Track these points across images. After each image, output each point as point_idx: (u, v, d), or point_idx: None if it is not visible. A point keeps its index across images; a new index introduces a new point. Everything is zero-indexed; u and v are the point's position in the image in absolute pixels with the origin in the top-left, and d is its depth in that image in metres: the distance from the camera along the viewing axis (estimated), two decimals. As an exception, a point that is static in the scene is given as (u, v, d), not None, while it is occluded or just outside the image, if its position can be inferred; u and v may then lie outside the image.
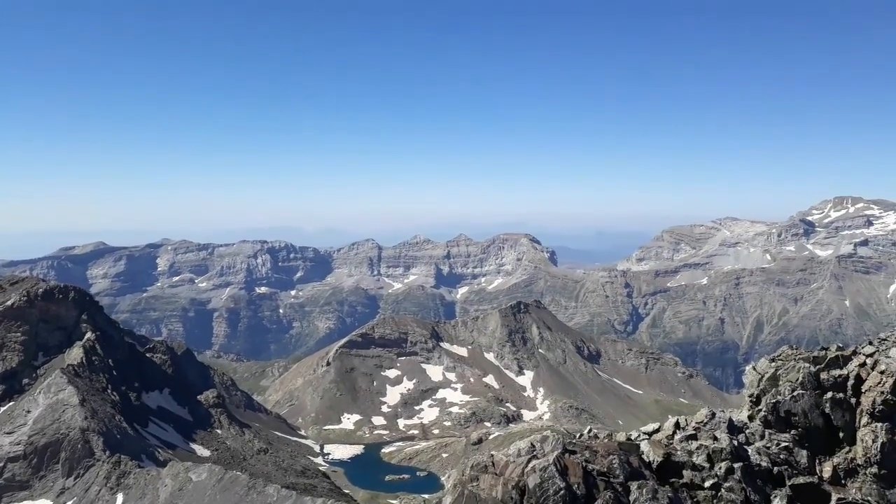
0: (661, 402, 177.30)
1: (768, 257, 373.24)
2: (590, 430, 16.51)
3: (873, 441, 17.33)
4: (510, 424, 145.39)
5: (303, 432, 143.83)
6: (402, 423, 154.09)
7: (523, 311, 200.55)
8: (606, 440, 14.58)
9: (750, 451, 15.24)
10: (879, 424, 17.48)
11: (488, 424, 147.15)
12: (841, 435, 17.99)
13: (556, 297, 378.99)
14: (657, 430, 15.97)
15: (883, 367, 18.20)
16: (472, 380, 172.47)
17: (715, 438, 14.56)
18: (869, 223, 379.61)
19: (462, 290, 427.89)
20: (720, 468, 14.09)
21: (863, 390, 18.34)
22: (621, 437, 15.09)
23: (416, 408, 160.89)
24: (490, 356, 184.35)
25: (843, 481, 17.09)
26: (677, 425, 17.06)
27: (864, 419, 17.81)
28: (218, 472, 68.35)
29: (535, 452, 12.94)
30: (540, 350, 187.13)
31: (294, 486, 74.17)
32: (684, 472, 13.76)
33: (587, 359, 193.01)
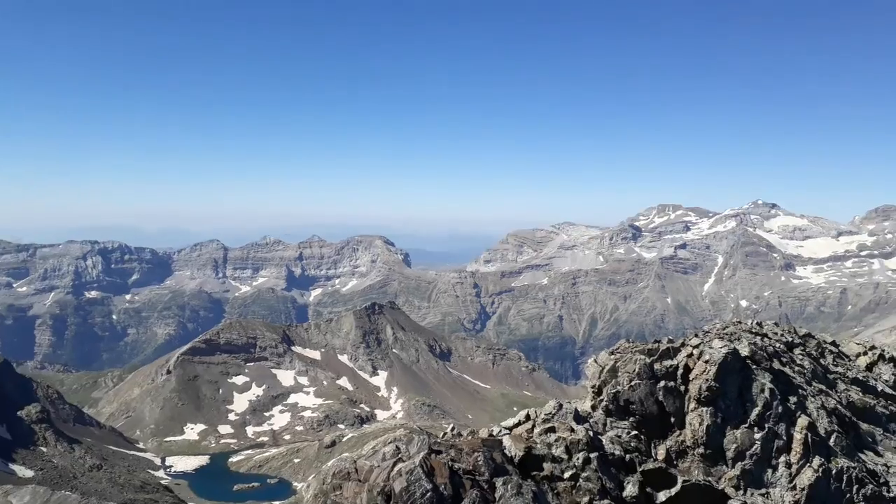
0: (507, 395, 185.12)
1: (601, 259, 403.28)
2: (453, 428, 16.64)
3: (700, 424, 19.03)
4: (364, 425, 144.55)
5: (142, 445, 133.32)
6: (251, 430, 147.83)
7: (377, 312, 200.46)
8: (470, 437, 14.73)
9: (604, 440, 16.15)
10: (705, 409, 19.23)
11: (342, 426, 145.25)
12: (672, 420, 19.52)
13: (409, 298, 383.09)
14: (518, 424, 16.47)
15: (707, 357, 20.05)
16: (325, 383, 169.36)
17: (572, 430, 15.23)
18: (687, 228, 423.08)
19: (315, 293, 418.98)
20: (578, 459, 14.71)
21: (690, 378, 20.05)
22: (484, 433, 15.30)
23: (267, 414, 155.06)
24: (344, 358, 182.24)
25: (675, 462, 18.64)
26: (528, 416, 17.71)
27: (692, 404, 19.50)
28: (43, 494, 61.46)
29: (400, 455, 12.73)
30: (394, 350, 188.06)
31: (133, 503, 68.58)
32: (545, 465, 14.19)
33: (439, 357, 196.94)
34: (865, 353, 29.65)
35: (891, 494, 19.30)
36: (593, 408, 19.74)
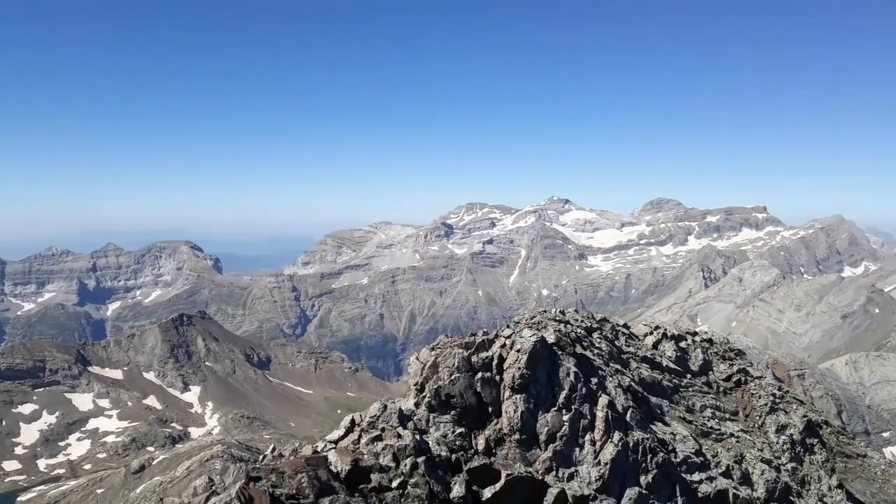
0: (331, 398, 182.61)
1: (418, 256, 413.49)
2: (273, 449, 15.76)
3: (515, 411, 20.00)
4: (176, 445, 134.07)
5: None
6: (43, 463, 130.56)
7: (186, 323, 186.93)
8: (292, 457, 13.96)
9: (430, 442, 16.27)
10: (518, 396, 20.24)
11: (151, 449, 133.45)
12: (490, 409, 20.35)
13: (222, 306, 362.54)
14: (344, 435, 16.03)
15: (519, 346, 21.14)
16: (129, 404, 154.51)
17: (399, 436, 15.12)
18: (493, 225, 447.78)
19: (114, 306, 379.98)
20: (405, 465, 14.63)
21: (505, 368, 21.04)
22: (307, 450, 14.62)
23: (62, 444, 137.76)
24: (150, 375, 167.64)
25: (493, 451, 19.41)
26: (353, 422, 17.40)
27: (507, 393, 20.44)
28: None
29: (213, 487, 11.72)
30: (207, 363, 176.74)
31: None
32: (372, 476, 13.89)
33: (257, 366, 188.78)
34: (651, 333, 33.24)
35: (677, 459, 21.76)
36: (416, 405, 19.92)
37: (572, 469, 19.70)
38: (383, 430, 15.47)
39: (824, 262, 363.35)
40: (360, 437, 15.51)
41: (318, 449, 14.80)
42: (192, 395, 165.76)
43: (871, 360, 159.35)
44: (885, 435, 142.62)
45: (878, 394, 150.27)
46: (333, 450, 14.45)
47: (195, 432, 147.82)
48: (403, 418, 17.89)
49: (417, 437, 15.62)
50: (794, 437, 28.42)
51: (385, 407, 18.00)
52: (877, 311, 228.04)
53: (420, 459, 14.82)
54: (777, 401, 30.44)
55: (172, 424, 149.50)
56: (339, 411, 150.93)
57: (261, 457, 15.72)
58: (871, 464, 32.02)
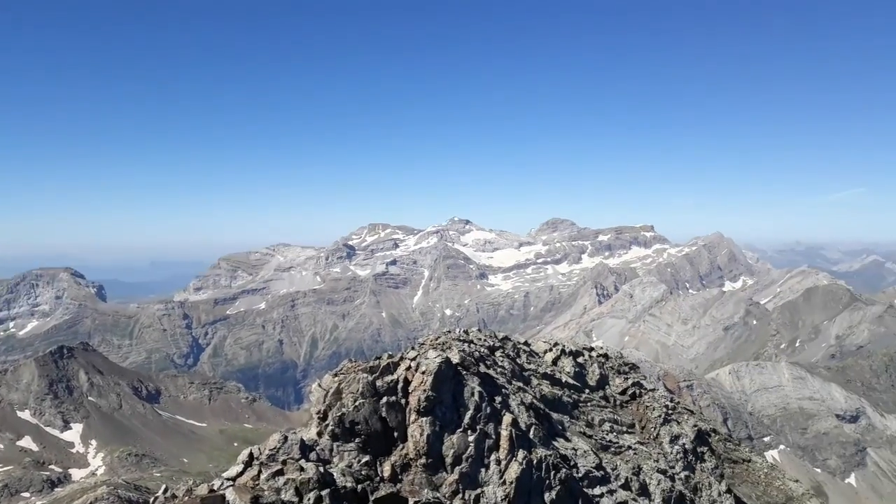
0: (227, 431, 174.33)
1: (318, 279, 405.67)
2: (165, 490, 14.60)
3: (421, 434, 19.74)
4: (55, 489, 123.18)
5: None
6: None
7: (67, 356, 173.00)
8: (186, 498, 12.98)
9: (335, 473, 15.65)
10: (424, 419, 20.01)
11: (27, 495, 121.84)
12: (396, 434, 20.01)
13: (107, 337, 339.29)
14: (243, 471, 15.11)
15: (424, 368, 20.97)
16: (1, 447, 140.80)
17: (301, 469, 14.45)
18: (396, 245, 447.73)
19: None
20: (309, 499, 13.98)
21: (410, 391, 20.79)
22: (203, 489, 13.64)
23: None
24: (26, 414, 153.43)
25: (399, 476, 19.02)
26: (252, 456, 16.53)
27: (413, 416, 20.18)
28: None
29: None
30: (90, 398, 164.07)
31: None
32: (274, 513, 13.25)
33: (146, 399, 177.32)
34: (550, 350, 34.01)
35: (579, 474, 22.21)
36: (319, 434, 19.28)
37: (479, 490, 19.64)
38: (284, 462, 14.74)
39: (707, 277, 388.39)
40: (259, 471, 14.69)
41: (215, 487, 13.84)
42: (74, 434, 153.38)
43: (752, 369, 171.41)
44: (766, 439, 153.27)
45: (759, 401, 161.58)
46: (231, 487, 13.58)
47: (77, 474, 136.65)
48: (306, 449, 17.22)
49: (321, 468, 15.01)
50: (686, 446, 29.82)
51: (286, 438, 17.25)
52: (754, 322, 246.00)
53: (325, 492, 14.23)
54: (670, 412, 31.88)
55: (51, 466, 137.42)
56: (236, 444, 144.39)
57: (151, 499, 14.51)
58: (755, 468, 34.11)
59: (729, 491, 28.57)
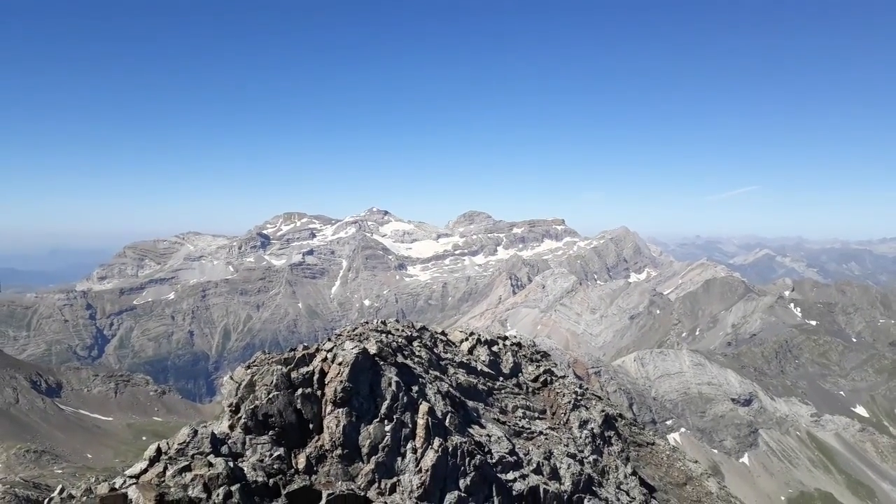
0: (135, 424, 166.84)
1: (231, 269, 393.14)
2: (62, 490, 13.80)
3: (337, 426, 19.64)
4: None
5: None
6: None
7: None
8: (84, 499, 12.34)
9: (246, 468, 15.27)
10: (340, 409, 19.92)
11: None
12: (311, 426, 19.82)
13: (1, 328, 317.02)
14: (147, 468, 14.49)
15: (340, 359, 20.85)
16: None
17: (210, 465, 14.00)
18: (313, 235, 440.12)
19: None
20: (218, 496, 13.55)
21: (326, 382, 20.63)
22: (103, 488, 12.96)
23: None
24: None
25: (315, 468, 18.87)
26: (159, 451, 15.96)
27: (329, 407, 20.04)
28: None
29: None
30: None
31: None
32: (181, 510, 12.79)
33: (46, 393, 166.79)
34: (467, 339, 34.55)
35: (493, 460, 22.74)
36: (231, 427, 18.83)
37: (395, 479, 19.77)
38: (192, 458, 14.25)
39: (614, 269, 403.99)
40: (165, 467, 14.11)
41: (116, 485, 13.16)
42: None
43: (655, 356, 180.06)
44: (669, 423, 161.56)
45: (662, 386, 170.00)
46: (134, 485, 12.99)
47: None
48: (217, 443, 16.78)
49: (231, 463, 14.59)
50: (594, 430, 31.07)
51: (196, 432, 16.74)
52: (658, 311, 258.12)
53: (234, 488, 13.83)
54: (579, 398, 33.10)
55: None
56: (144, 438, 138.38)
57: (45, 501, 13.69)
58: (658, 450, 35.97)
59: (634, 473, 30.02)
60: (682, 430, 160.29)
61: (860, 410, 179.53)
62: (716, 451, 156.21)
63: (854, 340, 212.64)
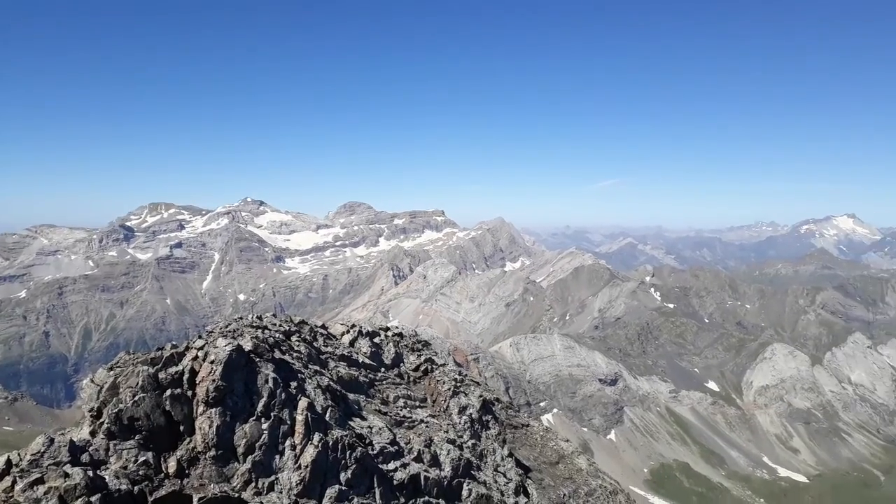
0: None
1: (91, 264, 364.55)
2: None
3: (210, 426, 18.88)
4: None
5: None
6: None
7: None
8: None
9: (107, 477, 14.29)
10: (214, 409, 19.16)
11: None
12: (182, 428, 18.93)
13: None
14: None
15: (212, 357, 20.03)
16: None
17: (66, 475, 12.96)
18: (182, 227, 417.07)
19: None
20: (77, 507, 12.69)
21: (197, 381, 19.76)
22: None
23: None
24: None
25: (187, 472, 18.05)
26: (10, 463, 14.62)
27: (201, 408, 19.23)
28: None
29: None
30: None
31: None
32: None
33: None
34: (348, 332, 34.32)
35: (374, 451, 22.78)
36: (93, 433, 17.64)
37: (273, 478, 19.33)
38: (47, 468, 13.15)
39: (490, 258, 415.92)
40: (14, 481, 12.91)
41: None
42: None
43: (529, 341, 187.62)
44: (542, 404, 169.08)
45: (535, 370, 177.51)
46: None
47: None
48: (76, 451, 15.65)
49: (91, 472, 13.61)
50: (473, 416, 31.94)
51: (52, 440, 15.50)
52: (531, 298, 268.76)
53: (94, 498, 12.94)
54: (458, 384, 33.88)
55: None
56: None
57: None
58: (532, 431, 37.56)
59: (510, 455, 31.19)
60: (555, 410, 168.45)
61: (712, 385, 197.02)
62: (585, 429, 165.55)
63: (706, 321, 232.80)
